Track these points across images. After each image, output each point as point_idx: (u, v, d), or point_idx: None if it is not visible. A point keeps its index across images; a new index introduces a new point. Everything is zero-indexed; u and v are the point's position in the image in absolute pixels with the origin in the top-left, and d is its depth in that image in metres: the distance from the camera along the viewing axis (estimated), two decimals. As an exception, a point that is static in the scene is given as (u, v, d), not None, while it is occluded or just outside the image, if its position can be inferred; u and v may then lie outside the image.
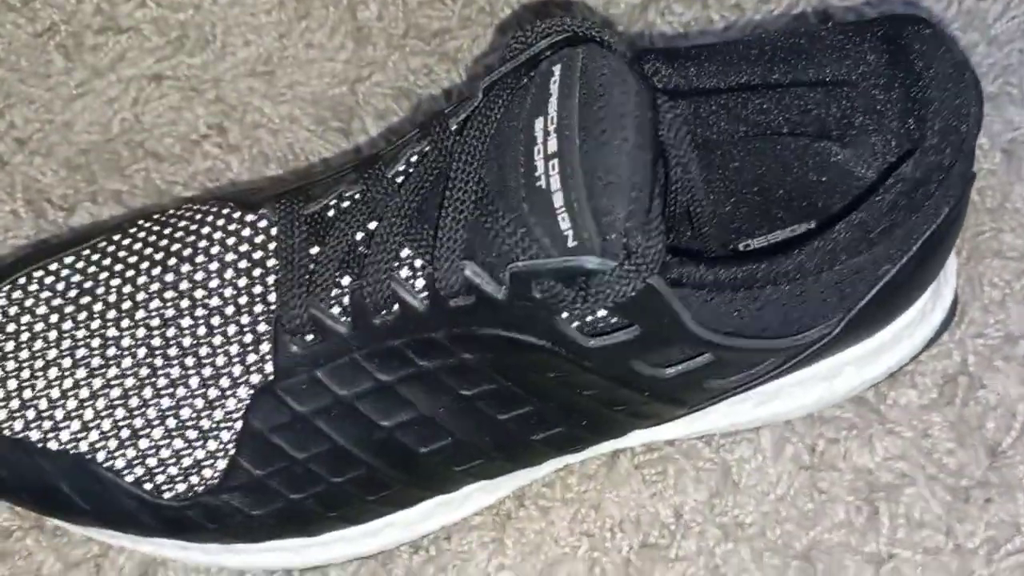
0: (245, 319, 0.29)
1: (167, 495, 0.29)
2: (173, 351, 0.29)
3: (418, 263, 0.27)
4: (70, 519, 0.30)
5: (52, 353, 0.30)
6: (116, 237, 0.32)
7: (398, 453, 0.29)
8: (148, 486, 0.29)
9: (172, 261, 0.30)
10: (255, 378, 0.28)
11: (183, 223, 0.31)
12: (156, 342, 0.29)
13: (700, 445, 0.35)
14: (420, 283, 0.27)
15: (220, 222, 0.31)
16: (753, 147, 0.33)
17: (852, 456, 0.34)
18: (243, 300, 0.29)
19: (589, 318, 0.26)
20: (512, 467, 0.30)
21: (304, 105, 0.42)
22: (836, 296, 0.28)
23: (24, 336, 0.30)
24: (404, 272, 0.27)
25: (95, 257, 0.31)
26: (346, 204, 0.29)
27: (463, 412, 0.28)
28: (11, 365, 0.30)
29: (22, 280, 0.31)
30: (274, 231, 0.29)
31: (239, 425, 0.28)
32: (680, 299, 0.25)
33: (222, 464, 0.29)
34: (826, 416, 0.35)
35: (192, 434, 0.29)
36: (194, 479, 0.29)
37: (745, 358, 0.28)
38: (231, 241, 0.30)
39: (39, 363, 0.30)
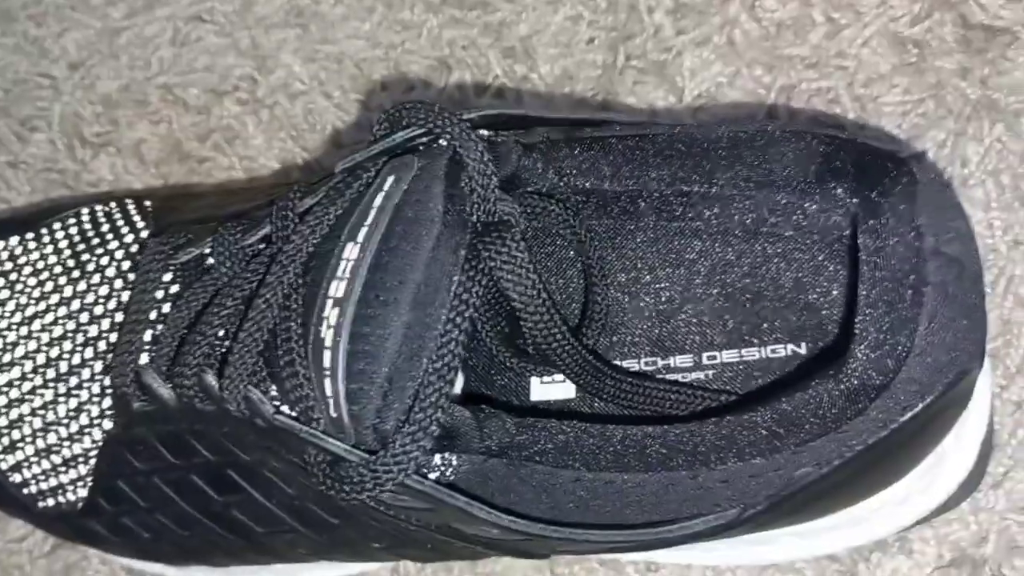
0: (112, 359, 0.28)
1: (41, 505, 0.30)
2: (51, 373, 0.29)
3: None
4: None
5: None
6: (55, 226, 0.31)
7: (238, 527, 0.27)
8: (27, 492, 0.30)
9: (76, 273, 0.29)
10: (107, 423, 0.28)
11: (106, 227, 0.30)
12: (40, 359, 0.29)
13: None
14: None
15: (128, 238, 0.29)
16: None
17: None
18: (114, 338, 0.28)
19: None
20: (364, 561, 0.28)
21: (330, 66, 0.39)
22: (724, 491, 0.22)
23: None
24: (213, 371, 0.24)
25: (32, 245, 0.31)
26: (211, 261, 0.26)
27: (295, 509, 0.26)
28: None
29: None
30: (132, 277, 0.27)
31: (93, 463, 0.28)
32: (484, 473, 0.21)
33: (83, 493, 0.29)
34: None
35: (57, 459, 0.29)
36: (60, 499, 0.29)
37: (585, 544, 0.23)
38: (126, 265, 0.28)
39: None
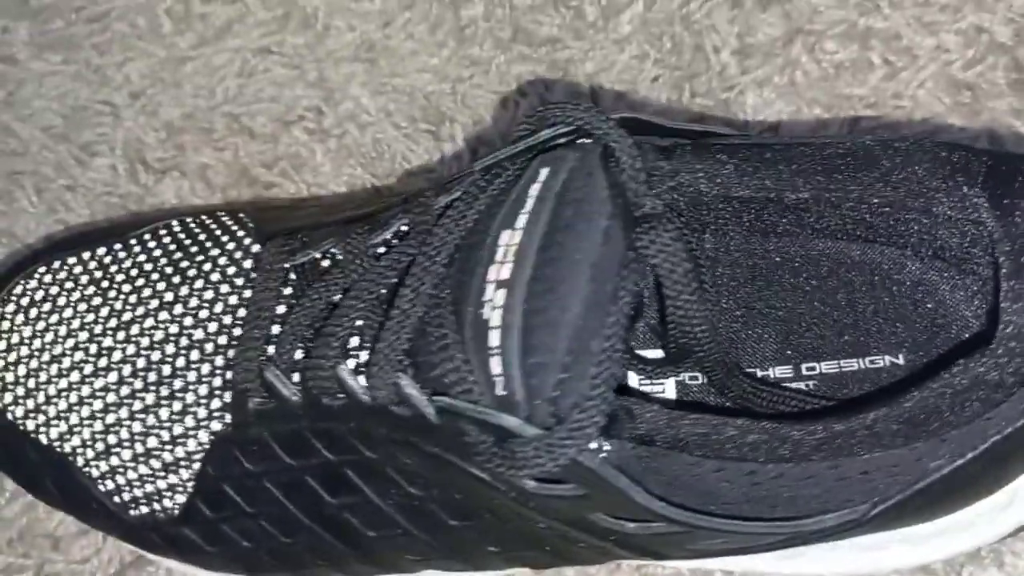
0: (219, 361, 0.28)
1: (132, 513, 0.29)
2: (152, 377, 0.29)
3: (363, 356, 0.24)
4: (53, 506, 0.31)
5: (58, 349, 0.30)
6: (146, 237, 0.32)
7: (348, 531, 0.27)
8: (117, 500, 0.29)
9: (176, 279, 0.30)
10: (216, 425, 0.28)
11: (203, 235, 0.31)
12: (141, 363, 0.29)
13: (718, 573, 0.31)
14: (363, 380, 0.24)
15: (230, 246, 0.30)
16: (796, 268, 0.27)
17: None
18: (223, 340, 0.28)
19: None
20: (472, 568, 0.28)
21: (400, 98, 0.40)
22: (862, 484, 0.23)
23: (40, 324, 0.31)
24: (351, 363, 0.24)
25: (121, 255, 0.31)
26: (327, 263, 0.26)
27: (412, 509, 0.26)
28: (24, 351, 0.31)
29: (56, 264, 0.32)
30: (251, 279, 0.28)
31: (197, 467, 0.28)
32: (637, 459, 0.21)
33: (181, 499, 0.28)
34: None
35: (156, 464, 0.29)
36: (156, 506, 0.29)
37: (722, 534, 0.24)
38: (231, 271, 0.29)
39: (46, 356, 0.30)
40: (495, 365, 0.21)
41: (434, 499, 0.26)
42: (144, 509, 0.29)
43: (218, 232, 0.31)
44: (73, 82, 0.43)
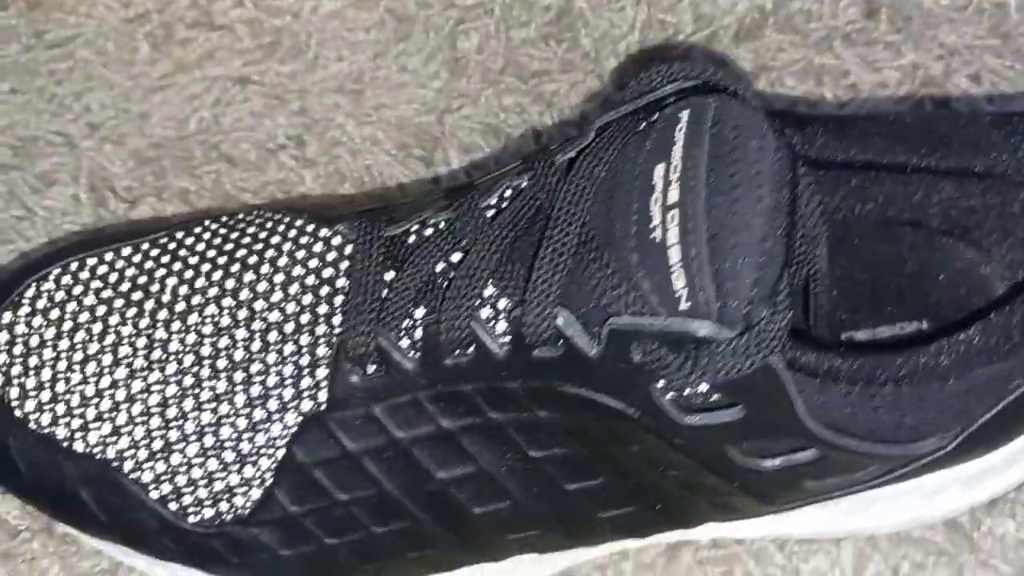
0: (305, 339, 0.26)
1: (192, 519, 0.27)
2: (222, 363, 0.27)
3: (503, 304, 0.24)
4: (84, 528, 0.28)
5: (93, 347, 0.28)
6: (179, 235, 0.30)
7: (449, 510, 0.26)
8: (173, 506, 0.27)
9: (235, 267, 0.28)
10: (306, 405, 0.26)
11: (252, 228, 0.29)
12: (206, 351, 0.27)
13: (772, 549, 0.31)
14: (502, 326, 0.24)
15: (291, 233, 0.29)
16: (869, 232, 0.30)
17: (940, 586, 0.31)
18: (305, 319, 0.26)
19: (688, 391, 0.23)
20: (569, 544, 0.27)
21: (388, 129, 0.40)
22: (957, 406, 0.25)
23: (66, 325, 0.28)
24: (486, 312, 0.24)
25: (154, 252, 0.29)
26: (429, 231, 0.26)
27: (528, 475, 0.25)
28: (48, 354, 0.28)
29: (73, 265, 0.29)
30: (348, 249, 0.27)
31: (281, 453, 0.26)
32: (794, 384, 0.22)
33: (256, 494, 0.26)
34: (914, 536, 0.31)
35: (229, 456, 0.26)
36: (223, 506, 0.26)
37: (850, 461, 0.25)
38: (300, 254, 0.28)
39: (78, 355, 0.28)
40: (677, 281, 0.21)
41: (555, 460, 0.25)
42: (208, 512, 0.26)
43: (267, 224, 0.29)
44: (21, 112, 0.40)
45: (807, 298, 0.27)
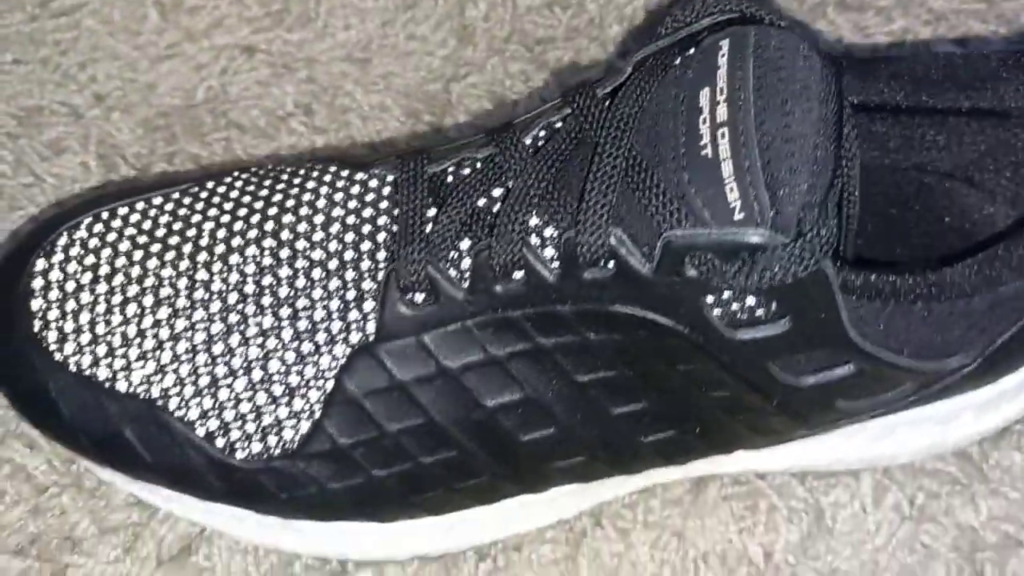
0: (350, 274, 0.27)
1: (239, 455, 0.27)
2: (267, 300, 0.27)
3: (549, 232, 0.25)
4: (128, 470, 0.28)
5: (133, 289, 0.28)
6: (210, 185, 0.30)
7: (497, 438, 0.26)
8: (220, 442, 0.27)
9: (272, 211, 0.28)
10: (355, 336, 0.26)
11: (285, 175, 0.30)
12: (250, 289, 0.27)
13: (794, 483, 0.32)
14: (550, 252, 0.25)
15: (327, 178, 0.29)
16: (876, 175, 0.31)
17: (955, 512, 0.32)
18: (348, 256, 0.27)
19: (735, 306, 0.24)
20: (610, 471, 0.28)
21: (396, 96, 0.40)
22: (982, 324, 0.26)
23: (103, 269, 0.28)
24: (533, 240, 0.25)
25: (187, 200, 0.30)
26: (467, 171, 0.27)
27: (574, 400, 0.26)
28: (85, 297, 0.28)
29: (104, 215, 0.29)
30: (387, 190, 0.27)
31: (330, 385, 0.26)
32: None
33: (305, 426, 0.26)
34: (927, 468, 0.33)
35: (278, 389, 0.26)
36: (272, 440, 0.27)
37: (883, 377, 0.26)
38: (339, 196, 0.28)
39: (117, 298, 0.28)
40: (730, 194, 0.22)
41: (601, 384, 0.26)
42: (256, 447, 0.26)
43: (300, 171, 0.30)
44: (25, 83, 0.40)
45: (840, 218, 0.28)
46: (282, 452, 0.27)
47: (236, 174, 0.31)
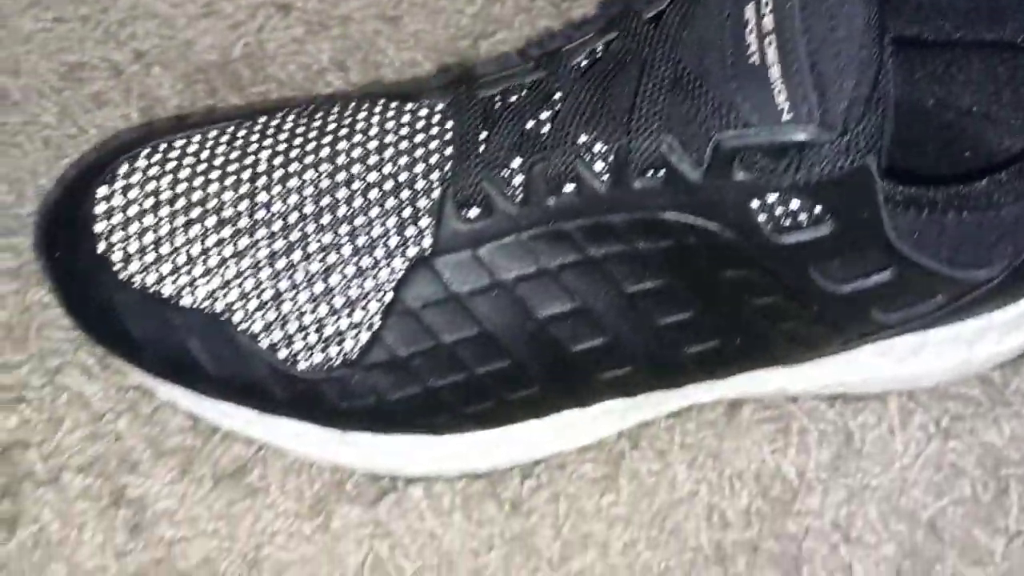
0: (405, 193, 0.28)
1: (301, 365, 0.28)
2: (327, 219, 0.28)
3: (598, 147, 0.26)
4: (192, 385, 0.29)
5: (195, 211, 0.29)
6: (262, 119, 0.31)
7: (548, 348, 0.28)
8: (283, 354, 0.28)
9: (327, 139, 0.29)
10: (412, 251, 0.27)
11: (336, 108, 0.31)
12: (309, 209, 0.28)
13: (823, 407, 0.34)
14: (600, 166, 0.26)
15: (376, 108, 0.30)
16: (901, 110, 0.33)
17: (979, 433, 0.33)
18: (403, 176, 0.28)
19: (780, 211, 0.25)
20: (655, 384, 0.29)
21: (427, 53, 0.42)
22: (1010, 236, 0.28)
23: (164, 194, 0.29)
24: (583, 155, 0.26)
25: (241, 132, 0.31)
26: (514, 98, 0.28)
27: (623, 310, 0.27)
28: (148, 220, 0.29)
29: (162, 146, 0.31)
30: (437, 116, 0.29)
31: (389, 297, 0.27)
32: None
33: (365, 337, 0.28)
34: (951, 392, 0.34)
35: (339, 301, 0.28)
36: (333, 350, 0.28)
37: (917, 286, 0.27)
38: (390, 124, 0.29)
39: (179, 220, 0.29)
40: (779, 96, 0.23)
41: (650, 294, 0.27)
42: (317, 357, 0.28)
43: (351, 104, 0.31)
44: (66, 40, 0.41)
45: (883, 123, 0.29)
46: (342, 362, 0.28)
47: (288, 109, 0.32)
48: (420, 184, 0.28)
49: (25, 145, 0.38)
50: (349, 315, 0.28)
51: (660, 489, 0.32)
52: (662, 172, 0.25)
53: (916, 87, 0.33)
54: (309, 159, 0.29)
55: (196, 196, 0.29)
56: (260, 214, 0.28)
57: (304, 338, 0.28)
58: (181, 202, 0.29)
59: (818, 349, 0.29)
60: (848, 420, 0.34)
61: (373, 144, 0.29)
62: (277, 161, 0.29)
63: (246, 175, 0.29)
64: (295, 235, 0.28)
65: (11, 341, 0.33)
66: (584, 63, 0.27)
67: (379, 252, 0.28)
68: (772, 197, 0.25)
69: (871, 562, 0.31)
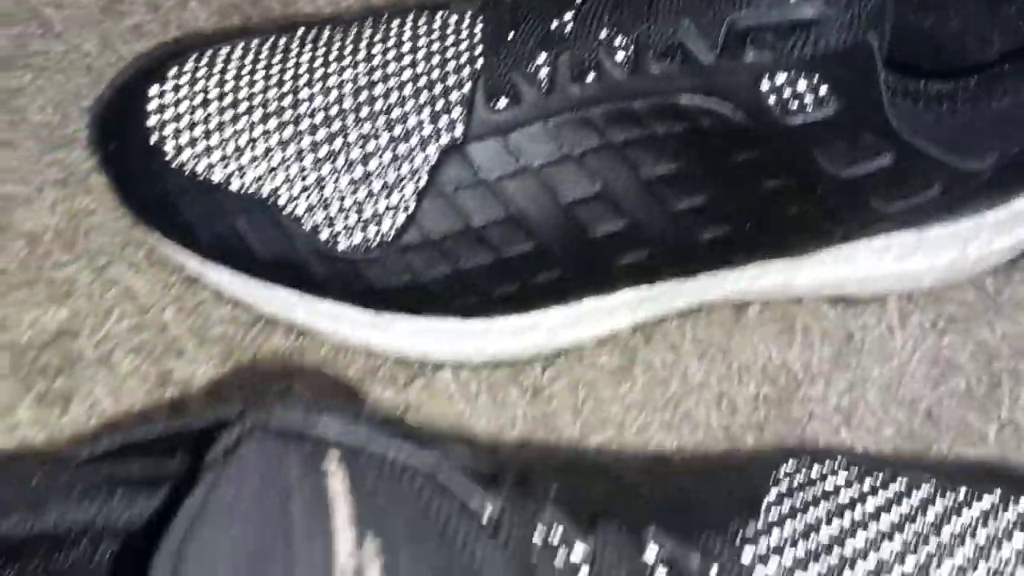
0: (438, 88, 0.30)
1: (342, 245, 0.30)
2: (365, 111, 0.30)
3: (618, 40, 0.28)
4: (238, 266, 0.31)
5: (242, 106, 0.31)
6: (300, 31, 0.33)
7: (571, 231, 0.30)
8: (324, 235, 0.30)
9: (362, 44, 0.32)
10: (445, 138, 0.29)
11: (369, 19, 0.33)
12: (348, 103, 0.30)
13: (826, 308, 0.36)
14: (620, 56, 0.28)
15: (408, 17, 0.32)
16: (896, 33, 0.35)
17: (973, 332, 0.35)
18: (435, 74, 0.30)
19: (788, 92, 0.27)
20: (670, 271, 0.31)
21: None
22: (1003, 130, 0.30)
23: (213, 92, 0.31)
24: (604, 47, 0.28)
25: (283, 40, 0.33)
26: (538, 1, 0.30)
27: (642, 194, 0.29)
28: (199, 114, 0.31)
29: (208, 51, 0.33)
30: (467, 20, 0.31)
31: (423, 181, 0.29)
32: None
33: (400, 219, 0.30)
34: (947, 296, 0.36)
35: (377, 185, 0.30)
36: (371, 231, 0.30)
37: (913, 174, 0.29)
38: (423, 29, 0.31)
39: (228, 114, 0.31)
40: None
41: (668, 178, 0.29)
42: (357, 238, 0.30)
43: (383, 16, 0.33)
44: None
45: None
46: (379, 243, 0.30)
47: (324, 23, 0.34)
48: (452, 79, 0.30)
49: (68, 71, 0.41)
50: (386, 198, 0.30)
51: (673, 379, 0.34)
52: (678, 56, 0.27)
53: (911, 12, 0.35)
54: (347, 61, 0.31)
55: (242, 93, 0.31)
56: (303, 108, 0.31)
57: (344, 220, 0.30)
58: (228, 98, 0.31)
59: (821, 239, 0.32)
60: (849, 321, 0.36)
61: (407, 46, 0.31)
62: (317, 63, 0.31)
63: (288, 75, 0.31)
64: (336, 126, 0.30)
65: (61, 243, 0.36)
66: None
67: (414, 140, 0.30)
68: (781, 78, 0.27)
69: (871, 442, 0.33)
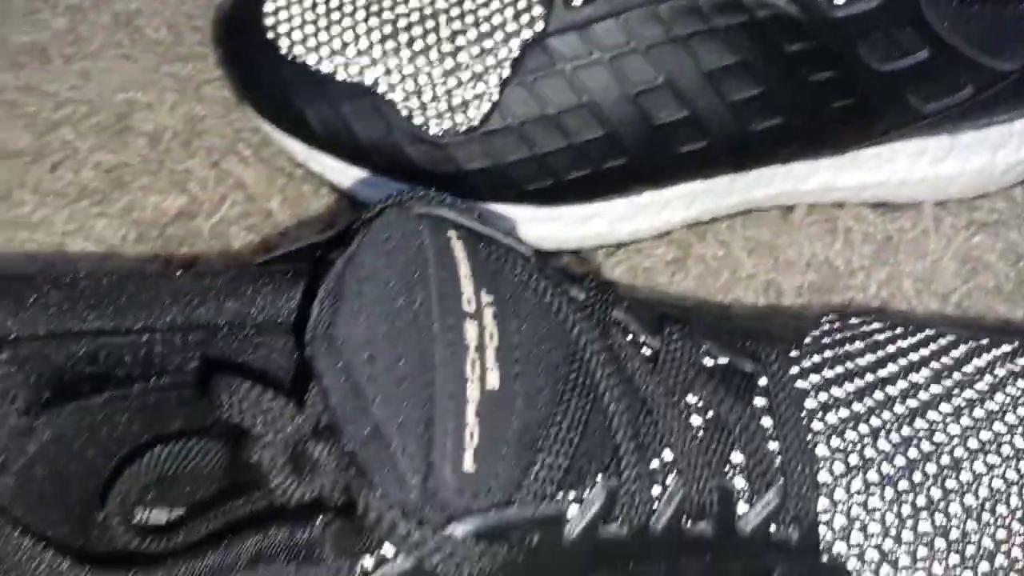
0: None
1: (433, 130, 0.34)
2: (455, 11, 0.34)
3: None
4: (343, 151, 0.35)
5: (348, 6, 0.35)
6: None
7: (638, 119, 0.33)
8: (418, 120, 0.34)
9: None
10: (526, 33, 0.33)
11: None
12: (441, 4, 0.34)
13: (866, 211, 0.39)
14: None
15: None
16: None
17: (1003, 235, 0.38)
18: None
19: (834, -11, 0.31)
20: (726, 161, 0.35)
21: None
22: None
23: (320, 8, 0.35)
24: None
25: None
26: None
27: (703, 83, 0.33)
28: (309, 15, 0.35)
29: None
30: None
31: (507, 72, 0.33)
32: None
33: (486, 107, 0.33)
34: (978, 204, 0.39)
35: (465, 75, 0.34)
36: (459, 118, 0.34)
37: (947, 72, 0.32)
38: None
39: (335, 15, 0.35)
40: None
41: (727, 70, 0.33)
42: (447, 123, 0.34)
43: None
44: None
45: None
46: (467, 128, 0.34)
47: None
48: (532, -17, 0.34)
49: (182, -4, 0.45)
50: (473, 87, 0.34)
51: (723, 271, 0.38)
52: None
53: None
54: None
55: (347, 8, 0.35)
56: (400, 8, 0.35)
57: (435, 106, 0.34)
58: (335, 14, 0.35)
59: (863, 133, 0.35)
60: (887, 224, 0.39)
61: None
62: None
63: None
64: (429, 23, 0.34)
65: (179, 142, 0.40)
66: None
67: (498, 35, 0.34)
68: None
69: (906, 324, 0.36)
